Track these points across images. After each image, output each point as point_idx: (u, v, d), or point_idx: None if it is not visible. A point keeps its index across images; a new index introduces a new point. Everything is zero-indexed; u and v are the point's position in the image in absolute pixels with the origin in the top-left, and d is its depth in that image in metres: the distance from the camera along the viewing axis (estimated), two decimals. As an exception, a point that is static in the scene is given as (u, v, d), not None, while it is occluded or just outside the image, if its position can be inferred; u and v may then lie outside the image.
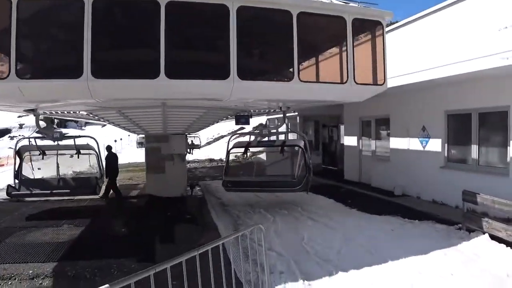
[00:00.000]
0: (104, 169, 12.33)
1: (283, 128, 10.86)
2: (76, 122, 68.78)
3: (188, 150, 30.38)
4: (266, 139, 11.11)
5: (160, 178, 13.37)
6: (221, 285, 4.52)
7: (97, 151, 11.94)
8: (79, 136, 12.29)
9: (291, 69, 7.26)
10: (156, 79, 6.55)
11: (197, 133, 25.45)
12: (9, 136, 62.94)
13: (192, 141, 27.59)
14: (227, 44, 6.70)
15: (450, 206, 9.80)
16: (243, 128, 27.53)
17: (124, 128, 12.05)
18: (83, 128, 72.61)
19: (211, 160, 29.67)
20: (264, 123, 22.97)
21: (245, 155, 11.85)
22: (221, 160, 27.93)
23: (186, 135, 13.97)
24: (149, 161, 13.71)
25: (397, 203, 10.63)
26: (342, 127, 16.68)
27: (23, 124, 67.76)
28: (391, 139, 12.23)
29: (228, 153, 11.16)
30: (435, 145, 10.49)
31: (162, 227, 9.41)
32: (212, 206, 11.58)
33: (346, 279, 5.52)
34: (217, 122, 13.13)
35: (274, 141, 11.06)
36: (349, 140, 14.77)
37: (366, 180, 13.66)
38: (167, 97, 7.37)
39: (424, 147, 10.86)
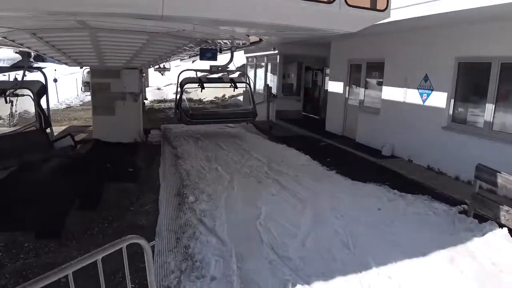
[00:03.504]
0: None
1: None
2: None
3: (160, 72, 31.83)
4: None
5: (109, 120, 11.35)
6: None
7: (36, 90, 9.33)
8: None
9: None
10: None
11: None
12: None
13: (164, 65, 28.67)
14: None
15: (449, 176, 7.98)
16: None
17: (53, 58, 9.62)
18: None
19: (215, 102, 27.32)
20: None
21: (201, 90, 11.84)
22: (200, 100, 25.86)
23: (140, 70, 11.68)
24: (96, 100, 11.51)
25: (385, 167, 8.75)
26: (328, 71, 14.45)
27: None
28: (384, 88, 10.11)
29: (181, 87, 11.42)
30: (438, 99, 8.44)
31: (92, 185, 7.43)
32: (164, 158, 9.63)
33: (306, 300, 3.67)
34: (176, 55, 10.75)
35: (221, 78, 12.18)
36: (334, 86, 12.59)
37: (350, 134, 11.71)
38: (70, 9, 5.01)
39: (424, 101, 8.82)
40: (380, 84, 10.42)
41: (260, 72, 18.02)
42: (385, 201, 6.41)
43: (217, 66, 11.30)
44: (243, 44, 10.22)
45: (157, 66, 28.62)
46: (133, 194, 7.19)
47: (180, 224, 5.58)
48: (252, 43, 10.95)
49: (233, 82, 11.79)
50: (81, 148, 10.75)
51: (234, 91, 12.51)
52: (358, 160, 9.50)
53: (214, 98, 22.79)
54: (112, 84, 11.10)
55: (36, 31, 7.33)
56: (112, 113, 11.36)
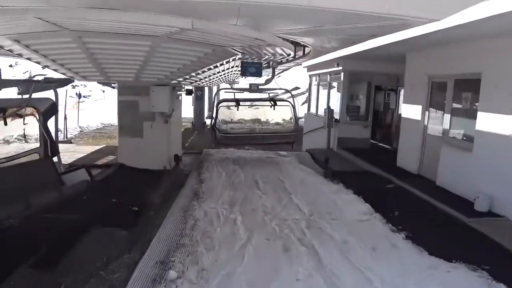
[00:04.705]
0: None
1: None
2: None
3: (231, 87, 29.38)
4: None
5: (136, 143, 9.99)
6: None
7: (43, 110, 8.01)
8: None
9: None
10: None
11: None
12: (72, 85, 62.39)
13: (233, 79, 26.95)
14: None
15: None
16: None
17: (57, 71, 8.26)
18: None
19: (255, 121, 24.73)
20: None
21: (237, 109, 11.50)
22: (266, 121, 23.86)
23: (173, 87, 10.07)
24: (123, 120, 10.11)
25: (480, 233, 5.86)
26: (403, 92, 11.73)
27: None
28: (480, 114, 7.22)
29: (217, 108, 11.21)
30: None
31: (73, 229, 5.70)
32: (182, 195, 7.74)
33: None
34: (208, 67, 8.88)
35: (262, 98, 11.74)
36: (409, 110, 9.80)
37: (428, 173, 8.86)
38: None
39: (542, 134, 5.93)
40: (473, 109, 7.59)
41: (324, 93, 15.64)
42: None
43: (257, 85, 10.57)
44: (288, 55, 8.13)
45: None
46: (117, 249, 5.38)
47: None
48: (302, 56, 8.82)
49: (273, 101, 11.23)
50: (99, 175, 9.28)
51: (274, 109, 11.59)
52: (439, 215, 6.70)
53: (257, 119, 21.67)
54: (140, 103, 9.66)
55: (18, 37, 5.91)
56: (140, 135, 9.96)
